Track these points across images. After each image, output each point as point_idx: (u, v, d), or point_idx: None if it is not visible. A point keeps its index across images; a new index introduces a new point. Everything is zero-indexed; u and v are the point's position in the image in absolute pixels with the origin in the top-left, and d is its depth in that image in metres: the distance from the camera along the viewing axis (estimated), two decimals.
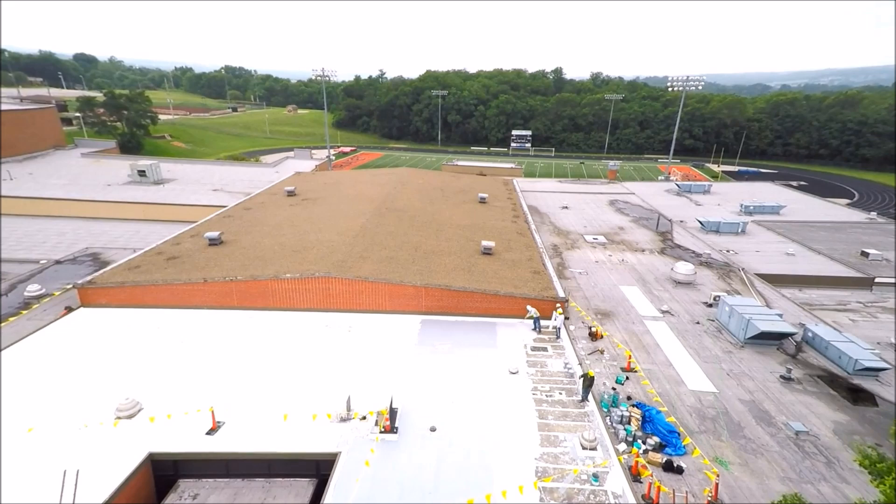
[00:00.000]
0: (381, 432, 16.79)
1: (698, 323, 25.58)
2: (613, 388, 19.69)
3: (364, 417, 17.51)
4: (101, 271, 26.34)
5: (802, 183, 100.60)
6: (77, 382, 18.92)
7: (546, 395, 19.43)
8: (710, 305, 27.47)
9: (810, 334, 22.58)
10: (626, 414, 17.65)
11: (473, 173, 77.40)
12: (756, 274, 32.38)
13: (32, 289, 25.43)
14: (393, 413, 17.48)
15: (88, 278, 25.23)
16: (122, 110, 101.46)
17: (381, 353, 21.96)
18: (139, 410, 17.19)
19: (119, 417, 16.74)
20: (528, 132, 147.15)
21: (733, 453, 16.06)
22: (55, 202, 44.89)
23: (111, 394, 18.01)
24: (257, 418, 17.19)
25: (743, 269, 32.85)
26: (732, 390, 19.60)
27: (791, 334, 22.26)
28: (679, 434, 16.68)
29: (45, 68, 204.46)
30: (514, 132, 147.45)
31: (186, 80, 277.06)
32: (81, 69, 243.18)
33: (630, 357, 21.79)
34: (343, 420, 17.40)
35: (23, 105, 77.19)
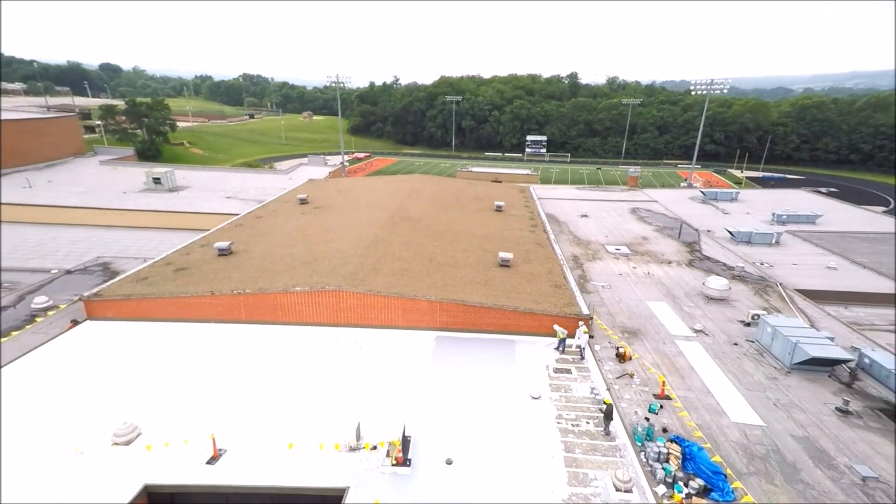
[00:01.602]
0: (392, 465, 15.42)
1: (736, 344, 23.59)
2: (647, 419, 17.95)
3: (375, 447, 16.17)
4: (109, 283, 25.68)
5: (833, 189, 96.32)
6: (76, 402, 18.03)
7: (572, 425, 17.80)
8: (748, 324, 25.43)
9: (867, 360, 20.43)
10: (664, 450, 15.91)
11: (488, 180, 76.05)
12: (796, 289, 30.12)
13: (39, 301, 24.88)
14: (406, 443, 16.11)
15: (95, 290, 24.57)
16: (143, 118, 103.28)
17: (393, 373, 20.64)
18: (137, 436, 16.14)
19: (116, 443, 15.72)
20: (544, 137, 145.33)
21: (791, 501, 14.17)
22: (70, 210, 45.00)
23: (110, 415, 17.06)
24: (261, 446, 15.99)
25: (781, 284, 30.62)
26: (782, 424, 17.64)
27: (846, 361, 20.19)
28: (726, 476, 14.87)
29: (72, 78, 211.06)
30: (529, 137, 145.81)
31: (206, 87, 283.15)
32: (106, 78, 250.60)
33: (664, 382, 19.99)
34: (352, 450, 16.08)
35: (44, 114, 78.90)
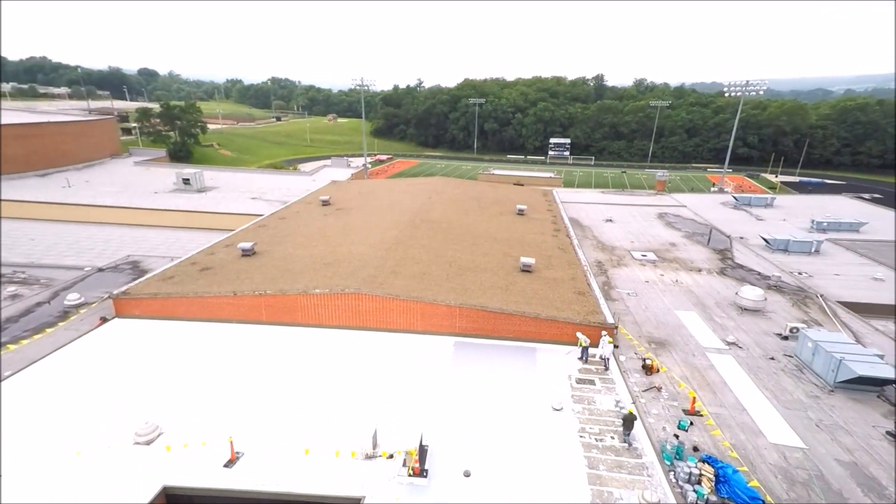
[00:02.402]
0: (409, 475, 15.04)
1: (773, 359, 22.24)
2: (676, 436, 17.01)
3: (391, 456, 15.85)
4: (137, 281, 26.37)
5: (877, 195, 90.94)
6: (99, 399, 18.42)
7: (596, 440, 17.06)
8: (786, 338, 23.97)
9: None
10: (696, 471, 14.99)
11: (510, 183, 75.37)
12: (838, 302, 28.30)
13: (72, 298, 25.73)
14: (423, 452, 15.72)
15: (123, 288, 25.24)
16: (176, 120, 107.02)
17: (411, 379, 20.34)
18: (158, 435, 16.32)
19: (137, 443, 15.92)
20: (567, 140, 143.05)
21: None
22: (104, 209, 46.78)
23: (132, 413, 17.35)
24: (277, 450, 15.91)
25: (822, 296, 28.83)
26: (826, 447, 16.41)
27: None
28: (764, 502, 13.86)
29: (112, 82, 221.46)
30: (553, 140, 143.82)
31: (236, 91, 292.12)
32: (144, 83, 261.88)
33: (694, 398, 18.96)
34: (368, 458, 15.81)
35: (85, 116, 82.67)
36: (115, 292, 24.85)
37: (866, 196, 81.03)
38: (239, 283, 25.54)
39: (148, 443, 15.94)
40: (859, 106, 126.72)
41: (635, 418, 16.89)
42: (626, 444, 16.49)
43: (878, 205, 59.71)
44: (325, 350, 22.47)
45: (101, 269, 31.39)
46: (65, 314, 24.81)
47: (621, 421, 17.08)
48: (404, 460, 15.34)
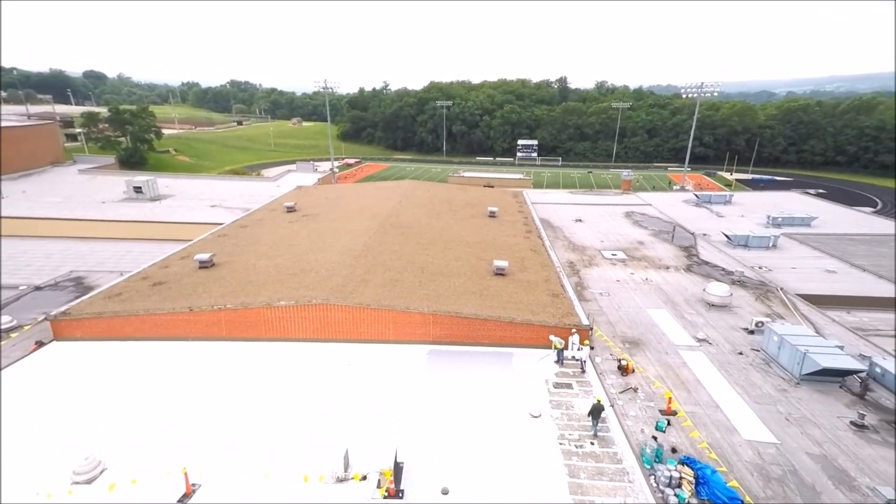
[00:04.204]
0: (384, 497, 14.14)
1: (741, 353, 22.71)
2: (654, 438, 16.88)
3: (364, 477, 14.89)
4: (79, 300, 24.09)
5: (821, 191, 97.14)
6: (36, 434, 16.47)
7: (576, 446, 16.71)
8: (752, 332, 24.59)
9: (878, 370, 19.64)
10: (676, 474, 14.83)
11: (481, 185, 75.37)
12: (797, 294, 29.44)
13: (3, 321, 23.15)
14: (398, 470, 14.86)
15: (63, 308, 22.96)
16: (126, 125, 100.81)
17: (384, 392, 19.41)
18: (101, 472, 14.65)
19: (76, 482, 14.21)
20: (535, 141, 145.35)
21: None
22: (43, 221, 43.00)
23: (71, 449, 15.54)
24: (239, 479, 14.63)
25: (782, 289, 29.93)
26: (797, 441, 16.69)
27: (858, 371, 19.36)
28: (743, 502, 13.82)
29: (54, 86, 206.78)
30: (520, 142, 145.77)
31: (193, 94, 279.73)
32: (90, 86, 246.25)
33: (670, 398, 18.97)
34: (339, 481, 14.78)
35: (21, 121, 76.40)
36: (54, 313, 22.54)
37: (812, 192, 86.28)
38: (196, 298, 23.78)
39: (89, 481, 14.27)
40: (801, 107, 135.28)
41: (603, 408, 17.06)
42: (593, 433, 16.80)
43: (823, 199, 63.51)
44: (292, 365, 21.17)
45: (38, 288, 28.60)
46: None
47: (589, 412, 17.16)
48: (378, 481, 14.47)
